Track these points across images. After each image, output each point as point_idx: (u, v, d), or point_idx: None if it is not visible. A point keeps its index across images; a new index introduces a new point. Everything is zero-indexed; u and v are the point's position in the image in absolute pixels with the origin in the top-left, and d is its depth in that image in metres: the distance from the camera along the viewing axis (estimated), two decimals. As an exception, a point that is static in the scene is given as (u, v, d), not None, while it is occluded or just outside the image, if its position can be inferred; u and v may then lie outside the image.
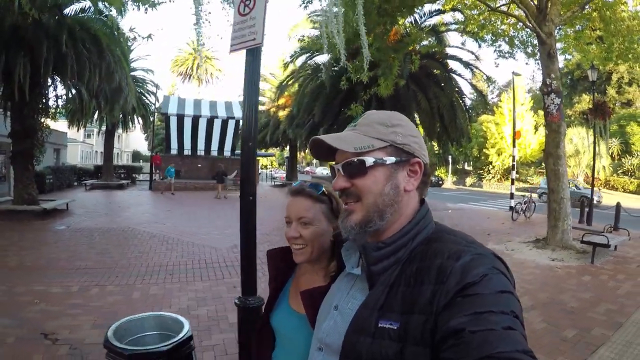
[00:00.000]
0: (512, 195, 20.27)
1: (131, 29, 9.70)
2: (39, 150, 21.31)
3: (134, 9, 10.14)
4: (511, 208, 18.38)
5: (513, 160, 22.06)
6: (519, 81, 28.48)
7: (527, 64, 77.83)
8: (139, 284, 7.15)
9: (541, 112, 39.76)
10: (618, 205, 14.58)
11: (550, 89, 10.88)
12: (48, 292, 6.54)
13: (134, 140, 73.55)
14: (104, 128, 29.14)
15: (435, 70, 16.66)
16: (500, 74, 61.43)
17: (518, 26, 14.12)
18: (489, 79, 18.47)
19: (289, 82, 23.49)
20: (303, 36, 17.83)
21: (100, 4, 15.09)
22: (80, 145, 56.43)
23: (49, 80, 16.14)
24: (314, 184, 1.57)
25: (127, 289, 6.83)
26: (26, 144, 15.47)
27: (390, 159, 1.14)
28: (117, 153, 76.61)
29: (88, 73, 14.67)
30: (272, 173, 56.75)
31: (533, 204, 17.27)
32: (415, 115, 16.74)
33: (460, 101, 17.83)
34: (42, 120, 21.63)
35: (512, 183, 21.63)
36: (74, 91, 17.88)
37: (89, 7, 15.42)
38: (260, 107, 37.16)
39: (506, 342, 0.82)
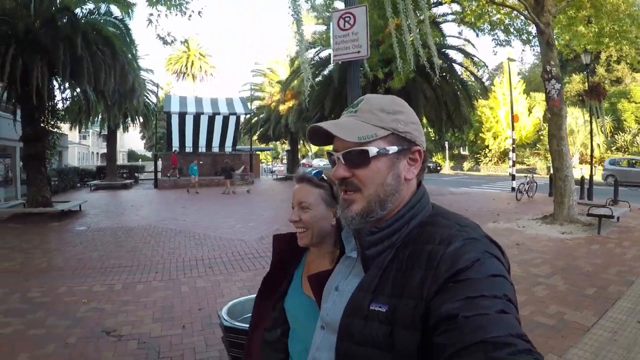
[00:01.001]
0: (513, 177, 21.10)
1: (168, 33, 9.97)
2: (51, 152, 21.71)
3: (175, 14, 10.38)
4: (513, 189, 19.18)
5: (513, 143, 22.86)
6: (509, 64, 29.15)
7: (523, 50, 78.12)
8: (183, 278, 7.28)
9: (533, 94, 40.65)
10: (616, 180, 15.44)
11: (551, 75, 11.57)
12: (92, 291, 6.66)
13: (128, 140, 73.60)
14: (100, 128, 29.22)
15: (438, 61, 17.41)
16: (489, 58, 61.88)
17: (513, 14, 14.72)
18: (484, 65, 19.24)
19: (295, 77, 23.92)
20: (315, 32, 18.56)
21: (107, 5, 15.46)
22: (77, 147, 56.40)
23: (57, 83, 16.40)
24: (316, 171, 1.63)
25: (173, 284, 6.95)
26: (38, 147, 15.46)
27: (393, 149, 1.13)
28: (106, 153, 76.66)
29: (104, 75, 14.90)
30: (269, 167, 57.08)
31: (535, 184, 18.05)
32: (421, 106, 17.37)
33: (463, 89, 18.51)
34: (53, 122, 22.12)
35: (513, 165, 22.46)
36: (76, 92, 18.21)
37: (97, 9, 15.56)
38: (260, 102, 37.74)
39: (500, 326, 0.84)
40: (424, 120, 19.07)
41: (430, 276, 0.96)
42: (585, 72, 18.93)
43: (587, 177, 16.97)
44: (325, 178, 1.61)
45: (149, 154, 68.54)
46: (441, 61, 16.30)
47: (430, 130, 24.85)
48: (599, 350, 4.17)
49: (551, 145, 11.91)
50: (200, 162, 30.46)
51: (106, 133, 31.55)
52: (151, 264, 8.22)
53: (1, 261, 8.65)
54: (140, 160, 65.33)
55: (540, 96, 40.60)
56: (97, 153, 76.01)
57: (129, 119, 30.44)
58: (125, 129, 32.15)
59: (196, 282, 6.98)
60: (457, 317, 0.86)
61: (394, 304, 1.00)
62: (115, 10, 15.51)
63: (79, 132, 39.44)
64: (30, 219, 14.04)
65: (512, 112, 22.14)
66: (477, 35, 12.16)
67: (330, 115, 19.14)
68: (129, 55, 17.38)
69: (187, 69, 63.42)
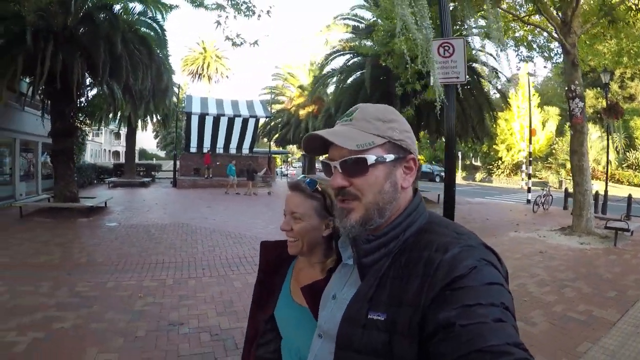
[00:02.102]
0: (529, 190, 21.74)
1: (237, 34, 10.27)
2: (79, 148, 22.12)
3: (244, 15, 10.45)
4: (529, 201, 19.79)
5: (530, 156, 23.55)
6: (525, 78, 29.64)
7: (545, 67, 78.32)
8: (232, 274, 7.57)
9: (547, 108, 41.07)
10: (630, 197, 16.02)
11: (575, 94, 12.17)
12: (143, 285, 6.91)
13: (140, 138, 74.56)
14: (119, 126, 29.38)
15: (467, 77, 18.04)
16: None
17: (536, 31, 15.31)
18: (508, 81, 19.82)
19: (322, 83, 24.25)
20: (341, 40, 19.26)
21: (144, 6, 15.93)
22: (90, 143, 57.03)
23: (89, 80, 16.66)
24: (310, 180, 1.60)
25: (224, 280, 7.23)
26: (67, 142, 15.58)
27: (390, 157, 1.14)
28: (124, 151, 77.30)
29: (141, 74, 15.29)
30: (282, 170, 57.56)
31: (550, 197, 18.60)
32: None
33: (486, 102, 19.13)
34: (81, 119, 22.45)
35: (530, 178, 23.13)
36: (103, 89, 18.14)
37: (132, 8, 16.00)
38: (280, 106, 38.37)
39: (497, 335, 0.84)
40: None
41: (427, 284, 0.97)
42: (604, 91, 19.38)
43: (600, 192, 17.50)
44: (320, 189, 1.59)
45: (161, 153, 69.07)
46: (468, 76, 17.00)
47: (443, 140, 25.36)
48: (625, 340, 4.86)
49: (572, 160, 12.51)
50: (217, 163, 31.11)
51: (117, 131, 31.86)
52: (195, 261, 8.56)
53: (39, 255, 8.92)
54: (154, 159, 65.97)
55: (553, 110, 41.08)
56: (110, 150, 76.79)
57: (147, 118, 30.93)
58: (144, 127, 32.54)
59: (247, 279, 7.25)
60: (454, 325, 0.87)
61: (392, 312, 1.01)
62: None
63: (99, 129, 39.95)
64: (58, 214, 14.27)
65: (530, 126, 22.79)
66: (501, 50, 12.80)
67: None
68: (163, 55, 17.85)
69: (203, 70, 64.09)
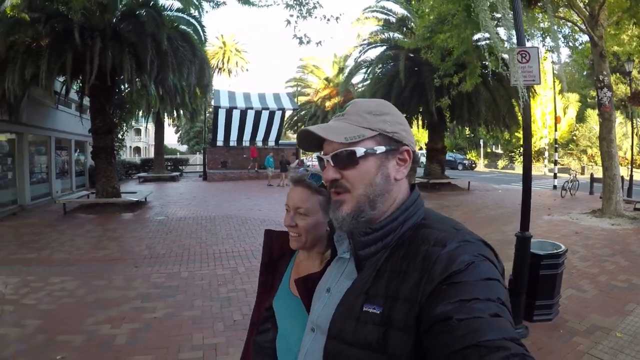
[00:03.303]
0: (555, 175, 22.40)
1: (305, 34, 10.68)
2: (119, 145, 22.70)
3: (315, 17, 10.77)
4: (555, 187, 20.45)
5: (555, 143, 24.23)
6: (547, 65, 30.02)
7: (570, 56, 78.27)
8: None
9: (567, 95, 41.28)
10: (656, 181, 16.71)
11: (603, 84, 12.77)
12: (217, 274, 7.31)
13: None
14: (146, 122, 29.85)
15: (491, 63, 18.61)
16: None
17: (561, 22, 15.88)
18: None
19: (353, 75, 24.49)
20: (372, 33, 19.98)
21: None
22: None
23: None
24: (314, 175, 1.58)
25: None
26: (107, 139, 15.80)
27: (380, 148, 1.15)
28: (145, 147, 77.91)
29: (186, 70, 15.56)
30: (304, 161, 57.83)
31: (577, 182, 19.20)
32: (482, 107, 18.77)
33: (515, 93, 19.72)
34: (120, 115, 23.05)
35: (555, 164, 23.81)
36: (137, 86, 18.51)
37: (170, 6, 16.20)
38: (304, 98, 38.95)
39: (493, 330, 0.84)
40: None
41: (425, 278, 0.97)
42: (627, 79, 19.91)
43: (625, 177, 18.08)
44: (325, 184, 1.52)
45: (181, 148, 69.67)
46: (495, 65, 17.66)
47: (466, 128, 25.97)
48: (665, 302, 5.66)
49: (601, 147, 13.14)
50: (245, 156, 31.53)
51: (137, 127, 32.02)
52: (259, 250, 9.26)
53: (97, 250, 9.32)
54: (177, 153, 66.72)
55: (573, 97, 41.31)
56: (130, 147, 77.70)
57: (175, 113, 31.14)
58: (175, 121, 33.03)
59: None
60: (450, 319, 0.88)
61: (388, 306, 1.01)
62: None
63: (127, 125, 40.46)
64: (101, 209, 14.67)
65: (555, 113, 23.37)
66: (528, 40, 13.38)
67: (408, 113, 20.38)
68: (203, 51, 18.05)
69: (223, 64, 64.74)
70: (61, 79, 15.38)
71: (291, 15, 10.33)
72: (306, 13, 10.27)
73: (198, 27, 17.55)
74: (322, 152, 1.22)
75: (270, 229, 1.79)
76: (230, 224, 12.17)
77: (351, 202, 1.14)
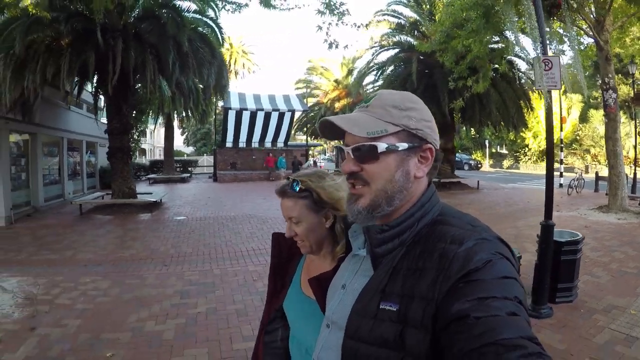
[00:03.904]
0: (561, 174, 23.02)
1: (334, 39, 11.05)
2: (135, 146, 22.82)
3: (346, 24, 11.15)
4: (561, 185, 21.06)
5: (561, 143, 24.86)
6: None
7: (572, 60, 78.88)
8: None
9: (570, 95, 41.75)
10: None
11: (608, 86, 13.33)
12: (249, 270, 7.54)
13: (165, 136, 75.10)
14: (155, 122, 29.91)
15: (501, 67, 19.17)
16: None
17: (567, 26, 16.45)
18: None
19: (365, 75, 24.74)
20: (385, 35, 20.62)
21: (202, 4, 16.20)
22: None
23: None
24: (294, 182, 1.60)
25: None
26: (124, 140, 15.95)
27: (403, 145, 1.12)
28: (150, 149, 78.00)
29: (206, 71, 15.73)
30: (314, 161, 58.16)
31: (583, 180, 19.85)
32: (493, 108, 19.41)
33: (523, 94, 20.51)
34: (136, 116, 23.10)
35: (561, 163, 24.47)
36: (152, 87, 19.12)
37: (187, 7, 16.09)
38: (314, 99, 39.42)
39: (510, 329, 0.84)
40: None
41: (442, 276, 0.97)
42: (631, 80, 20.54)
43: (629, 174, 18.64)
44: (304, 188, 1.57)
45: (187, 150, 69.87)
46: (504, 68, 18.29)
47: (472, 129, 26.54)
48: (672, 285, 6.27)
49: (607, 146, 13.73)
50: (254, 157, 31.89)
51: (143, 129, 31.92)
52: None
53: (121, 249, 9.54)
54: (185, 155, 66.83)
55: (576, 97, 41.78)
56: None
57: (184, 114, 30.60)
58: (182, 124, 33.04)
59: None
60: (467, 317, 0.88)
61: (405, 304, 1.01)
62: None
63: (137, 127, 40.43)
64: (118, 210, 14.85)
65: (560, 114, 23.99)
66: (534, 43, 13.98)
67: None
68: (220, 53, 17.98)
69: (230, 66, 65.07)
70: (75, 79, 15.42)
71: (323, 22, 10.79)
72: (338, 20, 10.78)
73: (215, 28, 17.67)
74: (342, 142, 1.22)
75: (278, 232, 1.80)
76: (251, 223, 12.43)
77: (369, 196, 1.14)
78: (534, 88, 21.27)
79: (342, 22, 10.87)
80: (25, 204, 15.07)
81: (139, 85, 17.46)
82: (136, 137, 26.64)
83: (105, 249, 9.69)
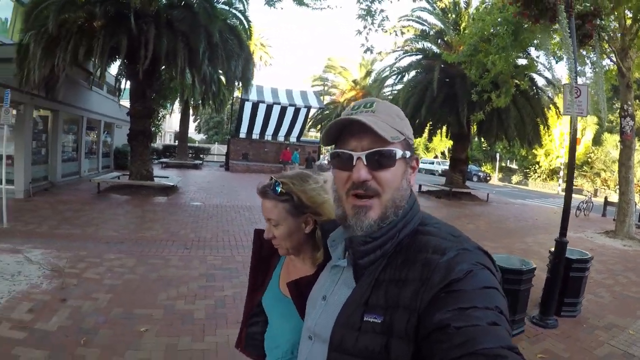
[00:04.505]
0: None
1: (371, 44, 11.34)
2: (156, 130, 22.99)
3: (384, 31, 11.58)
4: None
5: (573, 164, 24.93)
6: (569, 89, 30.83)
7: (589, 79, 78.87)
8: None
9: (586, 117, 41.73)
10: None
11: (627, 113, 13.52)
12: None
13: (176, 121, 75.50)
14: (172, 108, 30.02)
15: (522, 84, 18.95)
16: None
17: (589, 48, 16.65)
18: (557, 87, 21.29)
19: (385, 79, 25.09)
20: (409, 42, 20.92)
21: None
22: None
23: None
24: (274, 183, 1.57)
25: None
26: (146, 123, 16.16)
27: (407, 153, 1.15)
28: (162, 134, 78.59)
29: (234, 62, 15.93)
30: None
31: (591, 204, 20.00)
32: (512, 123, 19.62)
33: (541, 112, 20.73)
34: (159, 101, 23.28)
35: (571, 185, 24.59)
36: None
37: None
38: (329, 98, 39.67)
39: (491, 338, 0.85)
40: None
41: (424, 286, 0.98)
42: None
43: (638, 203, 18.79)
44: (285, 190, 1.55)
45: (197, 137, 70.08)
46: (524, 84, 18.47)
47: (483, 141, 26.71)
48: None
49: (620, 172, 13.92)
50: (266, 150, 31.91)
51: (163, 114, 32.00)
52: None
53: (142, 230, 9.84)
54: (196, 142, 66.99)
55: (591, 119, 41.74)
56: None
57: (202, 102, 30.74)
58: (196, 111, 33.44)
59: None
60: (448, 327, 0.89)
61: (389, 315, 1.02)
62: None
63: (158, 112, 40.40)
64: (135, 191, 15.09)
65: (574, 135, 24.07)
66: (557, 62, 14.23)
67: (427, 120, 21.49)
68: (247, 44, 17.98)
69: (248, 57, 65.12)
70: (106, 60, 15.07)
71: (365, 27, 11.07)
72: (378, 27, 11.06)
73: (244, 20, 17.79)
74: (349, 147, 1.16)
75: (260, 229, 1.76)
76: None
77: (379, 207, 1.13)
78: (550, 106, 21.60)
79: (382, 29, 11.12)
80: (43, 179, 15.35)
81: (163, 71, 17.74)
82: (157, 122, 26.80)
83: (126, 228, 9.98)
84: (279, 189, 1.54)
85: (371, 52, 11.63)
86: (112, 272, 6.67)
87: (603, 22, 11.36)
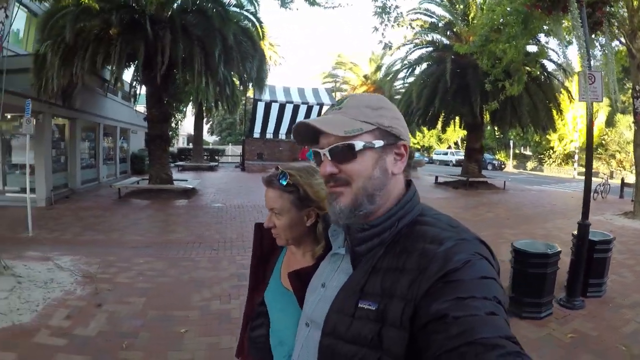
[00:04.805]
0: (588, 179, 23.29)
1: (389, 40, 11.60)
2: (173, 134, 23.17)
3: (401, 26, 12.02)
4: (586, 190, 21.37)
5: (590, 149, 25.01)
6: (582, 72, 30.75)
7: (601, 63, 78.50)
8: None
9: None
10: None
11: (639, 94, 13.71)
12: None
13: (188, 124, 75.59)
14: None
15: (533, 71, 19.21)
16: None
17: (598, 32, 16.71)
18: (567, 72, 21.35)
19: (397, 73, 25.38)
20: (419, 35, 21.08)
21: None
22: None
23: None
24: (282, 174, 1.58)
25: None
26: (163, 128, 16.29)
27: (379, 143, 1.14)
28: (194, 135, 78.47)
29: (249, 64, 16.09)
30: None
31: (608, 186, 20.01)
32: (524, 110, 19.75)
33: (553, 97, 20.83)
34: (175, 105, 23.10)
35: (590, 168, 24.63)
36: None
37: (227, 1, 16.40)
38: (340, 94, 39.79)
39: (489, 328, 0.86)
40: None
41: (421, 276, 0.98)
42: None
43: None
44: (291, 182, 1.57)
45: (209, 139, 70.38)
46: (536, 71, 18.53)
47: (496, 129, 26.75)
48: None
49: (635, 152, 14.01)
50: (280, 149, 32.02)
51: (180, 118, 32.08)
52: None
53: (167, 233, 10.00)
54: (210, 144, 67.15)
55: (604, 101, 41.63)
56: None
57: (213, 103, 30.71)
58: (209, 113, 33.64)
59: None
60: (446, 317, 0.89)
61: (384, 303, 1.02)
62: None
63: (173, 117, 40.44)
64: (156, 195, 15.17)
65: (590, 119, 24.10)
66: (567, 47, 14.35)
67: (440, 112, 21.81)
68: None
69: (257, 57, 65.24)
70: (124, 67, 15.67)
71: (381, 23, 11.28)
72: (394, 22, 11.26)
73: (256, 22, 17.98)
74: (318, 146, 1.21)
75: (260, 223, 1.77)
76: (291, 213, 12.86)
77: (350, 195, 1.15)
78: (562, 90, 21.64)
79: (398, 25, 11.32)
80: (63, 186, 15.62)
81: (178, 75, 17.62)
82: (174, 126, 27.00)
83: (151, 232, 10.16)
84: (285, 180, 1.56)
85: (389, 48, 11.82)
86: (144, 276, 6.83)
87: (612, 9, 11.42)
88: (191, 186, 16.55)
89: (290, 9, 13.26)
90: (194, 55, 14.03)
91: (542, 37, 16.32)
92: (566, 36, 15.53)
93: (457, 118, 23.38)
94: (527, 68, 16.66)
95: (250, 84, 18.59)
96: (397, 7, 11.28)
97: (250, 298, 1.84)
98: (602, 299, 6.10)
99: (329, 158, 1.15)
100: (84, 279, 6.51)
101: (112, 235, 9.73)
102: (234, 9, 16.91)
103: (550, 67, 21.70)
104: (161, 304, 5.69)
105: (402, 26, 12.20)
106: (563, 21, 12.03)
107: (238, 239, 9.53)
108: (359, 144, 1.12)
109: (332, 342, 1.08)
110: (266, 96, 29.64)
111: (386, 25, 11.38)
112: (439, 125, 23.66)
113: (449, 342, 0.85)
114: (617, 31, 14.17)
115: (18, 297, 5.65)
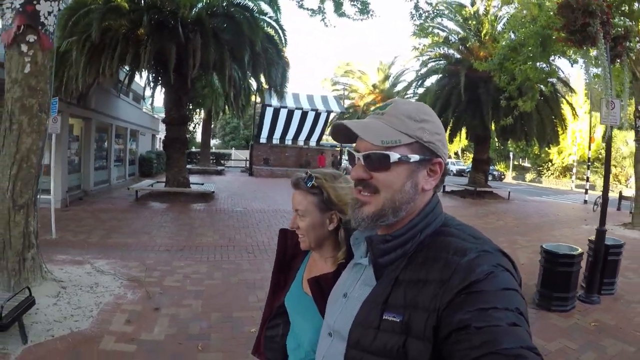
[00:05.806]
0: (586, 191, 24.43)
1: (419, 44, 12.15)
2: (191, 137, 23.52)
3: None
4: (585, 201, 22.43)
5: (588, 161, 26.25)
6: (579, 86, 31.81)
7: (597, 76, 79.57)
8: None
9: (595, 114, 42.39)
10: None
11: (641, 114, 14.73)
12: None
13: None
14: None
15: (546, 89, 20.21)
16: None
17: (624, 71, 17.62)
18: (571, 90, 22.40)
19: (415, 83, 25.60)
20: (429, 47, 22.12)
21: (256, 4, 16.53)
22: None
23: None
24: (308, 176, 1.61)
25: None
26: (181, 130, 16.34)
27: (415, 157, 1.12)
28: (202, 140, 77.95)
29: (275, 70, 16.50)
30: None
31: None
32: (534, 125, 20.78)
33: (558, 112, 21.93)
34: (192, 108, 23.22)
35: (587, 181, 26.09)
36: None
37: (251, 8, 16.11)
38: (348, 102, 40.53)
39: (511, 339, 0.86)
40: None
41: (444, 287, 0.99)
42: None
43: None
44: (316, 185, 1.58)
45: (214, 143, 70.79)
46: (545, 87, 19.57)
47: (496, 140, 27.74)
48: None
49: (636, 168, 15.05)
50: (287, 154, 32.73)
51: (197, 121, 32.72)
52: None
53: (197, 236, 10.11)
54: (213, 148, 67.16)
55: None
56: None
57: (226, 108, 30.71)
58: (217, 117, 33.66)
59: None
60: (469, 327, 0.89)
61: (408, 314, 1.02)
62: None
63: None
64: (174, 198, 15.16)
65: (590, 133, 25.35)
66: (572, 66, 15.36)
67: (448, 124, 22.65)
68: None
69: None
70: (153, 67, 16.03)
71: (420, 43, 12.15)
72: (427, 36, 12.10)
73: (279, 29, 18.02)
74: (354, 147, 1.21)
75: (285, 229, 1.80)
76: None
77: (375, 204, 1.14)
78: (566, 106, 22.81)
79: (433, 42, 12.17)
80: (77, 188, 15.58)
81: (197, 79, 18.17)
82: (191, 129, 27.39)
83: (180, 235, 10.27)
84: (310, 183, 1.59)
85: (425, 66, 12.56)
86: (190, 279, 6.89)
87: (631, 44, 12.40)
88: (210, 190, 16.65)
89: (319, 15, 13.20)
90: (225, 60, 14.41)
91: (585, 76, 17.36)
92: (572, 55, 16.59)
93: (464, 129, 24.32)
94: (541, 86, 17.67)
95: (273, 90, 18.84)
96: (433, 27, 12.10)
97: (269, 302, 1.87)
98: (614, 296, 7.05)
99: (363, 163, 1.16)
100: (130, 282, 6.51)
101: (141, 238, 9.79)
102: (260, 16, 17.15)
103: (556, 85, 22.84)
104: (220, 305, 5.80)
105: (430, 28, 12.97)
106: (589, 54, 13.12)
107: (270, 242, 9.69)
108: (394, 156, 1.11)
109: (358, 354, 1.09)
110: (275, 102, 29.49)
111: (424, 45, 12.20)
112: (447, 136, 24.35)
113: (472, 352, 0.87)
114: (630, 62, 15.17)
115: (68, 302, 5.55)
